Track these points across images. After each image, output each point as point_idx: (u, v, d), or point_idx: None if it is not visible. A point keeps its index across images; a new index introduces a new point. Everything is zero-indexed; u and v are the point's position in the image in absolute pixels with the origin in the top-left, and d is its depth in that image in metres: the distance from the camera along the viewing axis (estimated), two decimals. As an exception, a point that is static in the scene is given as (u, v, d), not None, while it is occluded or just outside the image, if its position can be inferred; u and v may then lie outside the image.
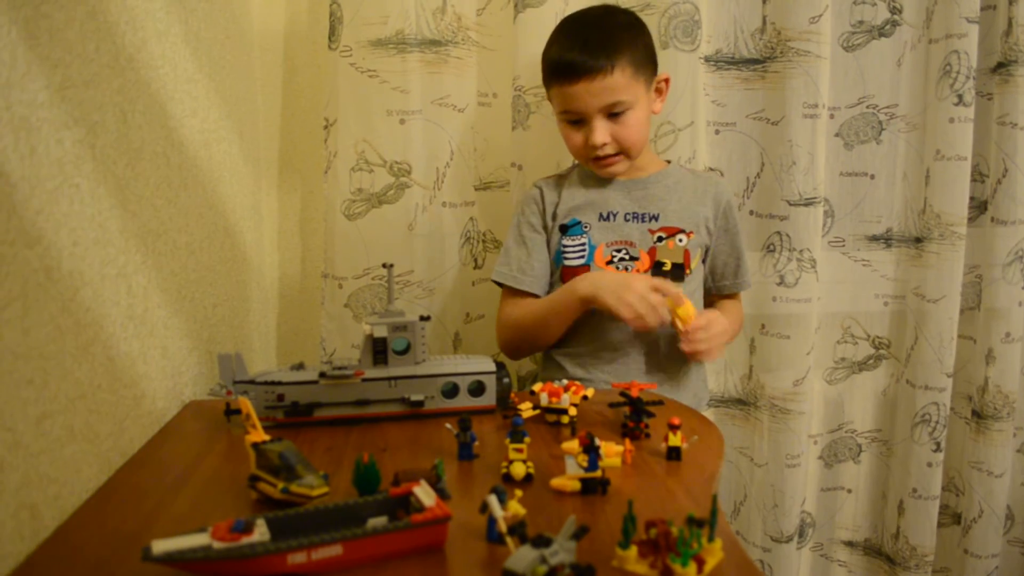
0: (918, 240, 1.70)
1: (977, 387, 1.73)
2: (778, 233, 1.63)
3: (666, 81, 1.39)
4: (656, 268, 1.36)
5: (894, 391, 1.78)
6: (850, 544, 1.84)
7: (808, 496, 1.77)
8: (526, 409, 1.03)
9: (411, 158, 1.59)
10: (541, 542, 0.59)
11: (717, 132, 1.65)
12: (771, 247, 1.64)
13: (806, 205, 1.60)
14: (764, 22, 1.60)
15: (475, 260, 1.68)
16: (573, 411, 1.03)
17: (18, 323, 0.70)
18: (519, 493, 0.74)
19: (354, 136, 1.57)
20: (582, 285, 1.29)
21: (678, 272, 1.36)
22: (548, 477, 0.85)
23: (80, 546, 0.71)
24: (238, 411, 1.00)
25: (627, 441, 0.92)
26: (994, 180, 1.67)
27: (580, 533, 0.63)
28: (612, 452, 0.89)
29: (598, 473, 0.82)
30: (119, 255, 0.93)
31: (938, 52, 1.62)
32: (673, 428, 0.91)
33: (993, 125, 1.66)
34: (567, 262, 1.38)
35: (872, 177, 1.70)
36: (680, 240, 1.36)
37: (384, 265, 1.08)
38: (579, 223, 1.38)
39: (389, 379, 1.05)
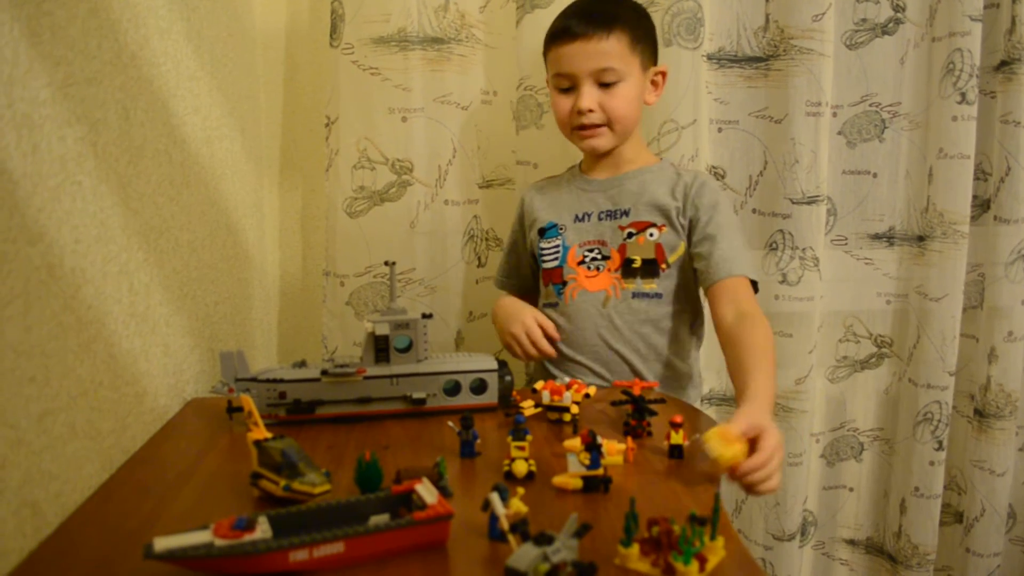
0: (921, 238, 1.70)
1: (979, 386, 1.73)
2: (781, 231, 1.62)
3: (663, 75, 1.37)
4: (626, 266, 1.32)
5: (896, 390, 1.77)
6: (852, 542, 1.84)
7: (810, 494, 1.77)
8: (528, 407, 1.03)
9: (413, 156, 1.59)
10: (543, 540, 0.59)
11: (720, 130, 1.64)
12: (774, 245, 1.63)
13: (809, 203, 1.60)
14: (767, 20, 1.59)
15: (478, 258, 1.68)
16: (575, 409, 1.03)
17: (20, 320, 0.70)
18: (521, 491, 0.74)
19: (356, 134, 1.57)
20: (494, 311, 1.41)
21: (651, 268, 1.32)
22: (550, 475, 0.85)
23: (82, 543, 0.71)
24: (240, 409, 1.01)
25: (629, 439, 0.92)
26: (997, 178, 1.67)
27: (582, 531, 0.63)
28: (614, 450, 0.89)
29: (600, 471, 0.82)
30: (121, 252, 0.93)
31: (941, 50, 1.62)
32: (675, 426, 0.90)
33: (996, 123, 1.66)
34: (544, 264, 1.39)
35: (875, 175, 1.70)
36: (651, 235, 1.32)
37: (386, 263, 1.08)
38: (555, 225, 1.39)
39: (391, 377, 1.05)
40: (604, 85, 1.28)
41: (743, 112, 1.63)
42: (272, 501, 0.78)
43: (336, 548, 0.65)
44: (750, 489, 0.87)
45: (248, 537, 0.63)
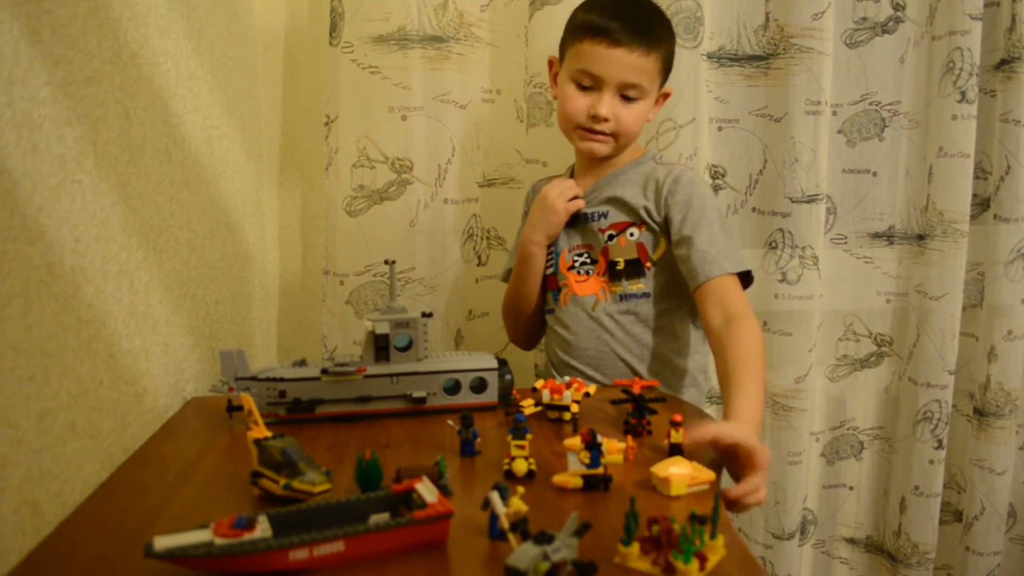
0: (920, 237, 1.70)
1: (979, 385, 1.73)
2: (780, 230, 1.62)
3: (667, 95, 1.36)
4: (610, 268, 1.31)
5: (896, 388, 1.77)
6: (852, 541, 1.84)
7: (810, 493, 1.77)
8: (528, 406, 1.03)
9: (413, 155, 1.59)
10: (543, 539, 0.59)
11: (720, 129, 1.64)
12: (773, 244, 1.63)
13: (808, 202, 1.60)
14: (767, 19, 1.59)
15: (478, 257, 1.68)
16: (575, 408, 1.03)
17: (20, 320, 0.70)
18: (521, 490, 0.74)
19: (356, 132, 1.57)
20: (520, 236, 1.40)
21: (635, 268, 1.31)
22: (550, 474, 0.85)
23: (82, 542, 0.71)
24: (240, 407, 1.01)
25: (629, 438, 0.92)
26: (997, 177, 1.67)
27: (582, 530, 0.63)
28: (614, 449, 0.89)
29: (600, 470, 0.82)
30: (121, 252, 0.93)
31: (941, 49, 1.62)
32: (675, 425, 0.90)
33: (996, 122, 1.66)
34: (544, 272, 1.39)
35: (875, 174, 1.70)
36: (631, 234, 1.31)
37: (386, 262, 1.08)
38: None
39: (391, 376, 1.05)
40: (624, 97, 1.26)
41: (743, 111, 1.63)
42: (272, 500, 0.78)
43: (336, 547, 0.65)
44: (736, 508, 0.89)
45: (248, 536, 0.63)
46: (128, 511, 0.77)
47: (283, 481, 0.77)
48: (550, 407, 1.04)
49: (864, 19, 1.64)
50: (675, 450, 0.91)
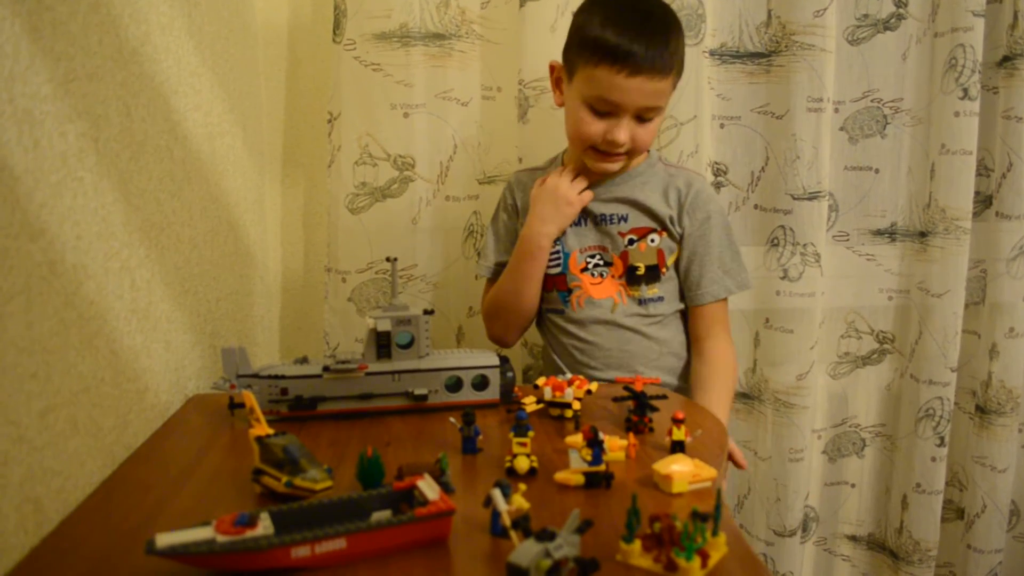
0: (923, 234, 1.70)
1: (981, 382, 1.73)
2: (782, 227, 1.62)
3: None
4: (630, 273, 1.31)
5: (898, 386, 1.77)
6: (853, 538, 1.84)
7: (812, 490, 1.77)
8: (530, 403, 1.03)
9: (414, 152, 1.59)
10: (545, 536, 0.59)
11: (722, 126, 1.64)
12: (775, 241, 1.63)
13: (810, 199, 1.60)
14: (769, 16, 1.59)
15: (478, 254, 1.68)
16: (577, 405, 1.02)
17: (22, 317, 0.70)
18: (523, 487, 0.74)
19: (358, 130, 1.57)
20: (524, 231, 1.33)
21: (653, 274, 1.31)
22: (552, 471, 0.85)
23: (84, 540, 0.71)
24: (242, 405, 1.00)
25: (631, 435, 0.92)
26: (999, 174, 1.67)
27: (584, 527, 0.63)
28: (616, 446, 0.89)
29: (602, 467, 0.82)
30: (122, 249, 0.93)
31: (943, 46, 1.61)
32: (677, 422, 0.90)
33: (998, 119, 1.66)
34: (547, 271, 1.35)
35: (877, 171, 1.70)
36: (652, 240, 1.31)
37: (388, 259, 1.08)
38: None
39: (393, 373, 1.05)
40: (640, 118, 1.23)
41: (745, 108, 1.63)
42: (274, 497, 0.78)
43: (338, 544, 0.65)
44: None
45: (250, 533, 0.63)
46: (130, 508, 0.77)
47: (285, 478, 0.77)
48: (552, 404, 1.04)
49: (866, 16, 1.64)
50: (677, 447, 0.90)
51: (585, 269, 1.34)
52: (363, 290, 1.62)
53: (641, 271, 1.31)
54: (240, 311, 1.45)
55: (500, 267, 1.41)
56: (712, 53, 1.61)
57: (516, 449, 0.85)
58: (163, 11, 1.08)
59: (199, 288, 1.21)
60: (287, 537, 0.63)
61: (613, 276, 1.33)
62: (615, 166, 1.29)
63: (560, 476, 0.83)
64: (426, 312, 1.06)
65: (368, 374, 1.04)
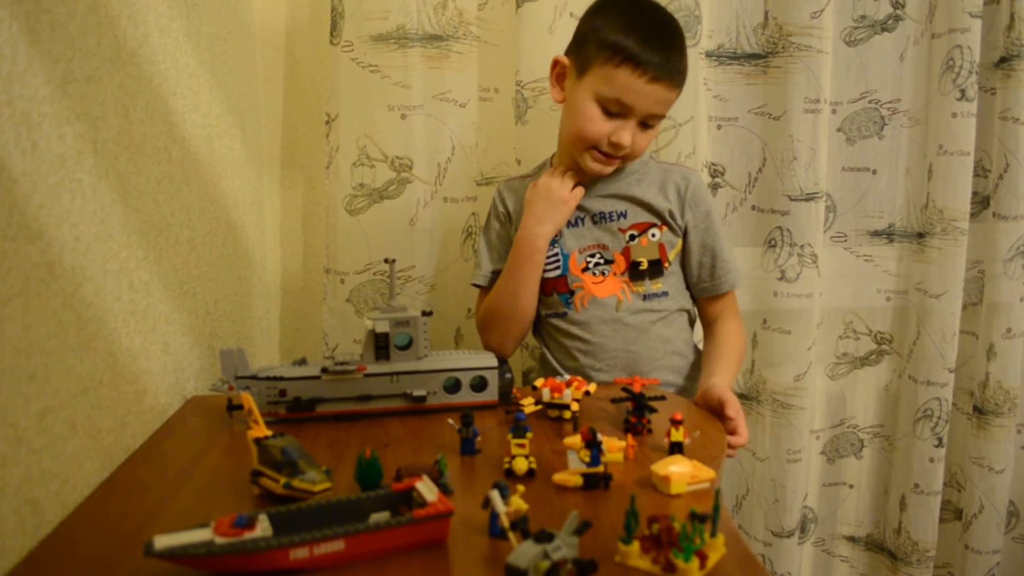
0: (920, 235, 1.70)
1: (978, 383, 1.73)
2: (779, 228, 1.62)
3: None
4: (633, 268, 1.32)
5: (896, 386, 1.78)
6: (852, 539, 1.85)
7: (810, 491, 1.77)
8: (528, 404, 1.03)
9: (412, 153, 1.59)
10: (543, 537, 0.59)
11: (719, 127, 1.64)
12: (772, 242, 1.64)
13: (807, 200, 1.60)
14: (766, 17, 1.59)
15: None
16: (575, 406, 1.03)
17: (20, 319, 0.70)
18: (521, 488, 0.74)
19: (356, 131, 1.57)
20: (519, 234, 1.32)
21: (656, 268, 1.32)
22: (550, 472, 0.85)
23: (82, 542, 0.71)
24: (240, 407, 1.01)
25: (629, 436, 0.92)
26: (996, 175, 1.67)
27: (582, 528, 0.63)
28: (614, 447, 0.89)
29: (600, 468, 0.82)
30: (121, 250, 0.92)
31: (941, 47, 1.62)
32: (675, 423, 0.90)
33: (996, 120, 1.66)
34: (544, 275, 1.34)
35: (874, 172, 1.70)
36: (653, 235, 1.32)
37: (386, 260, 1.08)
38: None
39: (391, 374, 1.05)
40: (643, 124, 1.25)
41: (742, 109, 1.63)
42: (272, 499, 0.78)
43: (336, 546, 0.65)
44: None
45: (248, 535, 0.63)
46: (128, 510, 0.77)
47: (283, 480, 0.77)
48: (550, 406, 1.04)
49: (863, 17, 1.65)
50: (675, 448, 0.91)
51: (586, 269, 1.34)
52: (361, 291, 1.62)
53: (644, 266, 1.32)
54: (239, 312, 1.45)
55: (496, 275, 1.39)
56: (709, 54, 1.61)
57: (514, 450, 0.85)
58: (161, 13, 1.08)
59: (198, 289, 1.21)
60: (285, 539, 0.63)
61: (615, 274, 1.33)
62: (610, 169, 1.30)
63: (558, 477, 0.83)
64: (424, 313, 1.06)
65: (366, 376, 1.04)
